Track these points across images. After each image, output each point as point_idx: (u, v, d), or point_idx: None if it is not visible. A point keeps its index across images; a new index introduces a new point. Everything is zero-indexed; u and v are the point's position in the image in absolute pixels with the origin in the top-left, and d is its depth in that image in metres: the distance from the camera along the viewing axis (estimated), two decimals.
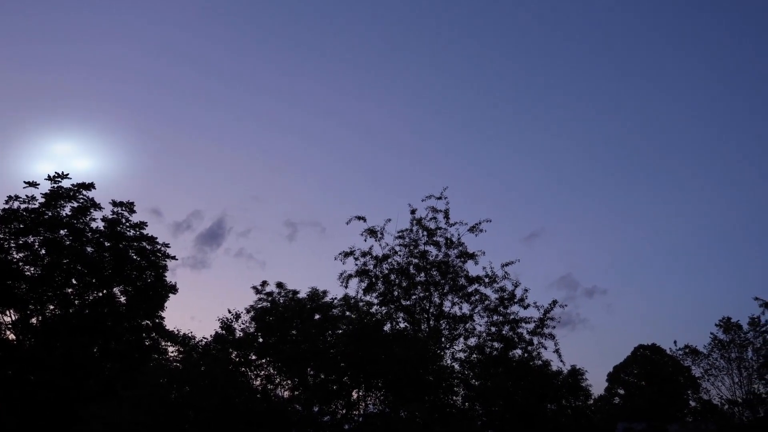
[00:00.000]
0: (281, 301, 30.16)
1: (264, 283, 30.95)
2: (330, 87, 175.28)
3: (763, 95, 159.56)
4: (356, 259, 33.47)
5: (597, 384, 77.79)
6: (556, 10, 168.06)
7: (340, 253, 33.63)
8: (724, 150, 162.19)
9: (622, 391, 75.15)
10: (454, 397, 30.04)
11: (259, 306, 30.16)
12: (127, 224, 37.68)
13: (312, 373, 28.12)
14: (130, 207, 37.87)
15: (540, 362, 32.22)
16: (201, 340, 28.78)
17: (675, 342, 65.30)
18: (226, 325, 29.42)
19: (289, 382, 28.30)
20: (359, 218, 33.94)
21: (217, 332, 29.17)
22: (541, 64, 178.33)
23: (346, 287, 32.73)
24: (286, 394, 28.23)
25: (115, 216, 37.41)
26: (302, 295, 30.67)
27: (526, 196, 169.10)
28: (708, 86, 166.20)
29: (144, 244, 37.98)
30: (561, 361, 31.60)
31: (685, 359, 62.46)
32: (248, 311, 29.99)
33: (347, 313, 30.50)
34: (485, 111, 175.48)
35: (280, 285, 31.03)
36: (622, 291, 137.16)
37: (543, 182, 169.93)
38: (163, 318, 38.03)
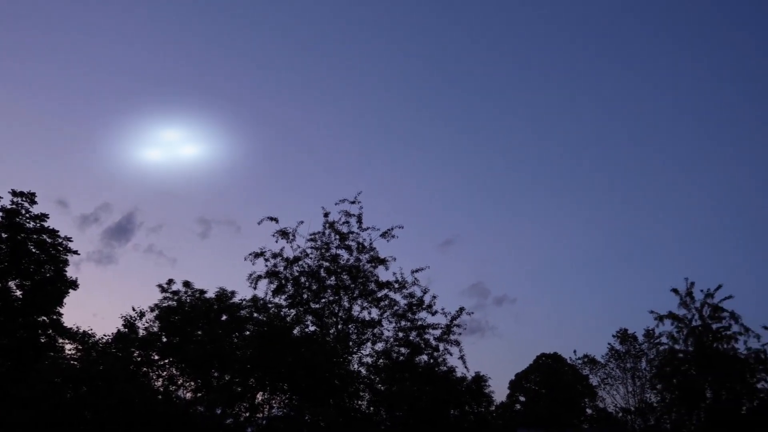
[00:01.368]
0: (188, 301, 29.55)
1: (170, 282, 30.26)
2: (247, 84, 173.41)
3: (664, 115, 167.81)
4: (267, 260, 33.10)
5: (501, 391, 79.68)
6: (464, 15, 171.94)
7: (250, 254, 33.18)
8: (631, 163, 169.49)
9: (523, 398, 77.13)
10: (360, 402, 30.16)
11: (164, 305, 29.45)
12: (27, 215, 35.98)
13: (216, 374, 27.67)
14: (31, 198, 36.18)
15: (445, 368, 32.73)
16: (101, 339, 27.84)
17: (575, 351, 67.55)
18: (129, 324, 28.56)
19: (193, 383, 27.75)
20: (271, 219, 33.64)
21: (119, 330, 28.28)
22: (457, 70, 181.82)
23: (255, 288, 32.31)
24: (189, 395, 27.67)
25: (14, 206, 35.66)
26: (210, 295, 30.15)
27: (442, 204, 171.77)
28: (616, 99, 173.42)
29: (44, 236, 36.31)
30: (465, 367, 32.19)
31: (584, 368, 64.99)
32: (152, 310, 29.23)
33: (255, 314, 30.16)
34: (403, 117, 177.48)
35: (187, 284, 30.40)
36: (531, 300, 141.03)
37: (459, 190, 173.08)
38: (61, 314, 36.45)
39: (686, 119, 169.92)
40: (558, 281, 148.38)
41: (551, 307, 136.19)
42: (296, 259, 33.22)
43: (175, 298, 29.80)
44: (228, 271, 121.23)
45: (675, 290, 47.53)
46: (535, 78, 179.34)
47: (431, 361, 32.32)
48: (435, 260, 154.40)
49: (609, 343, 59.23)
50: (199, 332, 28.03)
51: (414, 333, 32.42)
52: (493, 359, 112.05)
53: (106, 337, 27.82)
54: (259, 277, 32.56)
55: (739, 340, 45.26)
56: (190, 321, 28.11)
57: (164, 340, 28.13)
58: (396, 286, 33.31)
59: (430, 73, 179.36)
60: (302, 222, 33.74)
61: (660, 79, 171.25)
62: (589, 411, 69.34)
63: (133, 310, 28.93)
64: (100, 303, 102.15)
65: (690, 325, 46.73)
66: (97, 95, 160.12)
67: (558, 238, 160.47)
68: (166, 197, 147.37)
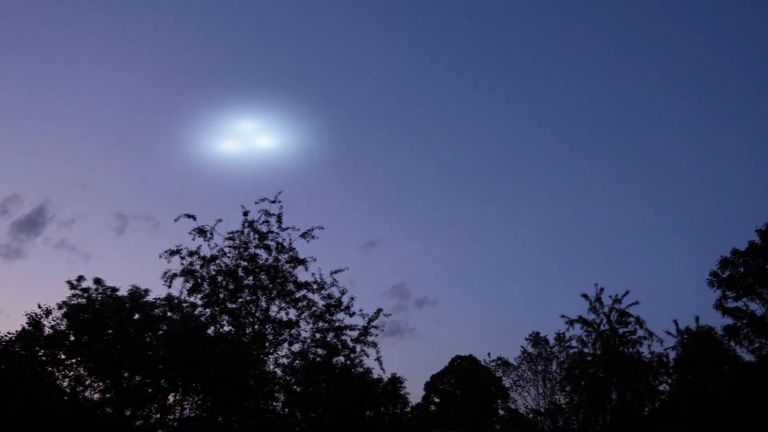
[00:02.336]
0: (98, 299, 28.57)
1: (80, 278, 29.18)
2: (167, 78, 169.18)
3: (581, 119, 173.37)
4: (183, 258, 32.42)
5: (418, 392, 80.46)
6: (376, 18, 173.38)
7: (165, 251, 32.43)
8: (551, 168, 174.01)
9: (438, 400, 78.17)
10: (275, 403, 29.93)
11: (73, 302, 28.36)
12: None
13: (127, 375, 26.90)
14: None
15: (362, 369, 32.87)
16: (4, 337, 26.57)
17: (489, 354, 68.85)
18: (34, 322, 27.32)
19: (101, 383, 26.88)
20: (189, 216, 32.98)
21: (23, 328, 27.04)
22: (383, 72, 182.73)
23: (170, 287, 31.58)
24: (97, 396, 26.80)
25: None
26: (123, 293, 29.26)
27: (366, 205, 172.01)
28: (537, 99, 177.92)
29: None
30: (382, 368, 32.44)
31: (498, 370, 66.50)
32: (60, 307, 28.07)
33: (169, 313, 29.50)
34: (327, 116, 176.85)
35: (98, 281, 29.40)
36: (451, 302, 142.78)
37: (384, 192, 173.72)
38: None
39: (604, 122, 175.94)
40: (478, 284, 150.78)
41: (470, 309, 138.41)
42: (213, 258, 32.69)
43: (85, 295, 28.75)
44: (146, 268, 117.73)
45: (585, 295, 49.24)
46: (458, 80, 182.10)
47: (348, 362, 32.40)
48: (357, 262, 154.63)
49: (522, 346, 60.85)
50: (110, 331, 27.16)
51: (331, 334, 32.44)
52: (411, 361, 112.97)
53: (10, 336, 26.56)
54: (175, 275, 31.88)
55: (644, 344, 47.30)
56: (101, 319, 27.19)
57: (72, 338, 27.10)
58: (315, 286, 33.25)
59: (353, 72, 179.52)
60: (221, 220, 33.25)
61: (573, 81, 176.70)
62: (501, 412, 70.85)
63: (39, 307, 27.70)
64: (5, 300, 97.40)
65: (598, 329, 48.46)
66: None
67: (480, 242, 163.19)
68: (80, 191, 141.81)
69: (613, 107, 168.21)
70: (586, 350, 49.14)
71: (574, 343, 51.17)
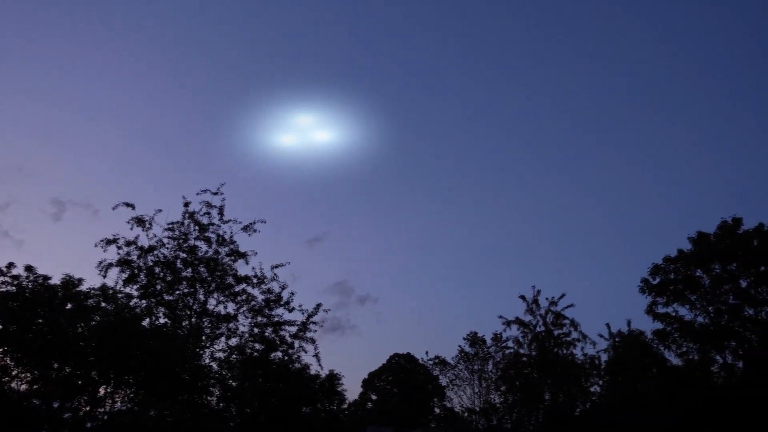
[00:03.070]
0: (29, 287, 27.66)
1: (10, 265, 28.16)
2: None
3: (523, 120, 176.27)
4: (119, 247, 31.68)
5: (356, 389, 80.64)
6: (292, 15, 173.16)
7: (101, 240, 31.64)
8: (495, 168, 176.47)
9: (375, 397, 78.46)
10: (209, 397, 29.55)
11: (1, 290, 27.39)
12: None
13: (56, 365, 26.12)
14: None
15: (299, 365, 32.78)
16: None
17: (427, 352, 69.49)
18: None
19: (29, 374, 26.06)
20: (127, 205, 32.24)
21: None
22: (323, 60, 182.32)
23: (105, 277, 30.84)
24: (24, 387, 25.96)
25: None
26: (56, 281, 28.39)
27: (312, 201, 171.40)
28: (475, 100, 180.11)
29: None
30: (320, 365, 32.40)
31: (435, 369, 67.18)
32: None
33: (104, 304, 28.77)
34: (271, 109, 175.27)
35: (29, 268, 28.42)
36: (393, 300, 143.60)
37: (330, 187, 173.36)
38: None
39: (544, 125, 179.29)
40: (420, 283, 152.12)
41: (411, 308, 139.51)
42: (151, 249, 32.04)
43: (15, 283, 27.80)
44: (83, 257, 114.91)
45: (523, 297, 50.12)
46: (394, 76, 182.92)
47: (286, 358, 32.25)
48: (301, 257, 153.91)
49: (460, 346, 61.60)
50: (40, 320, 26.32)
51: (270, 329, 32.24)
52: (351, 358, 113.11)
53: None
54: (111, 265, 31.15)
55: (577, 346, 48.45)
56: (31, 308, 26.32)
57: (0, 327, 26.20)
58: (255, 281, 32.98)
59: (299, 64, 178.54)
60: (160, 210, 32.60)
61: (516, 84, 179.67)
62: (437, 410, 71.60)
63: None
64: None
65: (534, 330, 49.39)
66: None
67: (423, 241, 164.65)
68: (16, 174, 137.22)
69: (551, 109, 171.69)
70: (521, 351, 50.07)
71: (510, 343, 52.10)
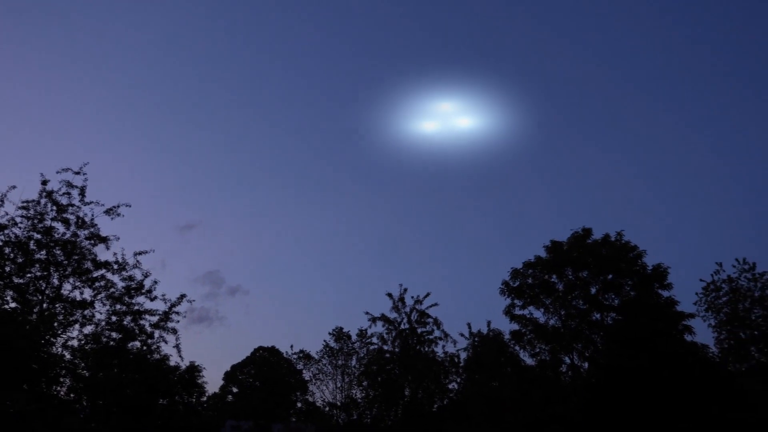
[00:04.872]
0: None
1: None
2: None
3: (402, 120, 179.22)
4: None
5: (219, 382, 79.06)
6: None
7: None
8: (367, 166, 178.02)
9: (236, 390, 77.32)
10: (59, 388, 28.04)
11: None
12: None
13: None
14: None
15: (159, 356, 31.75)
16: None
17: (292, 346, 69.37)
18: None
19: None
20: None
21: None
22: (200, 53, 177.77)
23: None
24: None
25: None
26: None
27: (187, 187, 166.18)
28: (359, 98, 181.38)
29: None
30: (180, 356, 31.45)
31: (299, 363, 67.08)
32: None
33: None
34: (154, 100, 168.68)
35: None
36: (264, 292, 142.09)
37: (206, 174, 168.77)
38: None
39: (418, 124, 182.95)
40: (291, 276, 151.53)
41: (282, 301, 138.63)
42: (2, 227, 29.88)
43: None
44: None
45: (389, 295, 51.13)
46: (286, 72, 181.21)
47: (144, 348, 31.10)
48: (172, 244, 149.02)
49: (325, 341, 61.86)
50: None
51: (129, 318, 30.93)
52: (217, 349, 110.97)
53: None
54: None
55: (439, 344, 50.05)
56: None
57: None
58: (115, 267, 31.49)
59: (169, 52, 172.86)
60: (14, 187, 30.38)
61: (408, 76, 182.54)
62: (299, 404, 71.58)
63: None
64: None
65: (399, 327, 50.51)
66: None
67: (297, 235, 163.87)
68: None
69: (436, 105, 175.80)
70: (385, 347, 51.09)
71: (374, 339, 53.02)
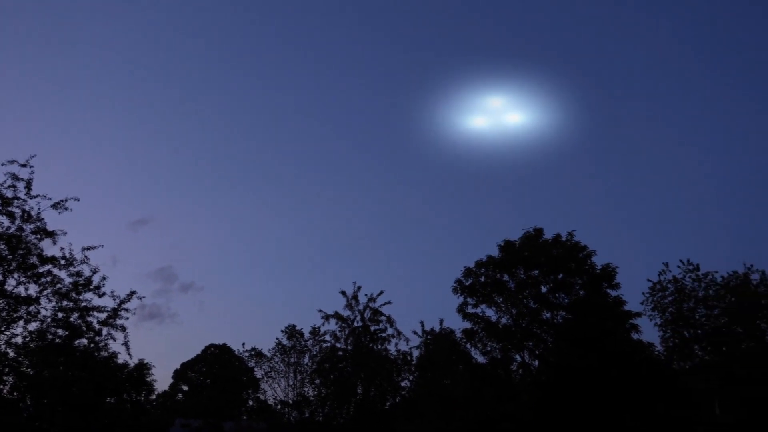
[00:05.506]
0: None
1: None
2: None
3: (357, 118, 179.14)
4: None
5: (168, 380, 77.89)
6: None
7: None
8: (326, 163, 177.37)
9: (186, 388, 76.36)
10: (2, 386, 27.31)
11: None
12: None
13: None
14: None
15: (107, 354, 31.15)
16: None
17: (243, 344, 68.70)
18: None
19: None
20: None
21: None
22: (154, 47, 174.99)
23: None
24: None
25: None
26: None
27: (141, 181, 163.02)
28: (311, 100, 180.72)
29: None
30: (129, 354, 30.81)
31: (251, 360, 66.45)
32: None
33: None
34: (105, 92, 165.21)
35: None
36: (218, 289, 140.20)
37: (159, 168, 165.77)
38: None
39: (373, 122, 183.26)
40: (244, 273, 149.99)
41: (235, 298, 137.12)
42: None
43: None
44: None
45: (343, 292, 51.09)
46: (250, 69, 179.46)
47: (92, 345, 30.43)
48: (124, 240, 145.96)
49: (277, 338, 61.41)
50: None
51: (76, 314, 30.19)
52: (169, 347, 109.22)
53: None
54: None
55: (392, 342, 50.17)
56: None
57: None
58: (62, 262, 30.69)
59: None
60: None
61: (343, 80, 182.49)
62: (250, 402, 70.98)
63: None
64: None
65: (352, 325, 50.46)
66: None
67: (251, 231, 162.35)
68: None
69: (379, 104, 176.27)
70: (338, 345, 51.01)
71: (327, 337, 52.90)
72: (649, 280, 37.64)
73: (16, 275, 29.95)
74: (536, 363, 37.77)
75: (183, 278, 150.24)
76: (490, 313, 39.31)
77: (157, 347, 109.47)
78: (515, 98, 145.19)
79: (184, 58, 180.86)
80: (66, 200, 31.21)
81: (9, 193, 30.31)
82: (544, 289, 38.35)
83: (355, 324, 50.55)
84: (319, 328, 56.48)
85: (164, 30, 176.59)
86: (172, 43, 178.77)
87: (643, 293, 37.53)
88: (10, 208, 30.21)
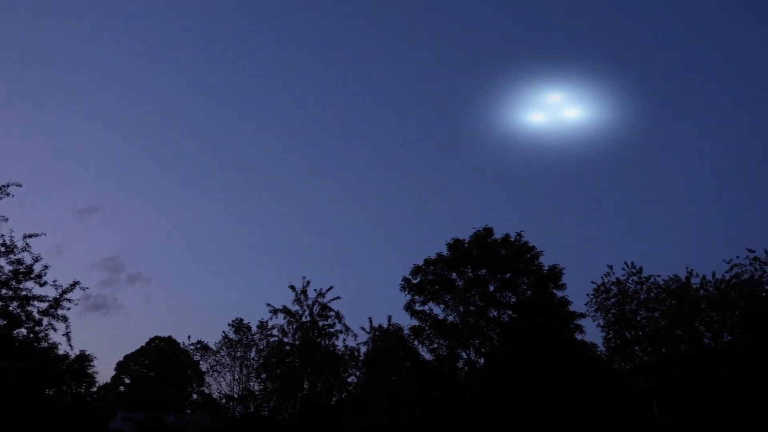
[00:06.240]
0: None
1: None
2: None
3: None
4: None
5: (112, 372, 76.31)
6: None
7: None
8: (278, 160, 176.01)
9: (129, 381, 75.03)
10: None
11: None
12: None
13: None
14: None
15: (47, 344, 30.34)
16: None
17: (189, 337, 67.82)
18: None
19: None
20: None
21: None
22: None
23: None
24: None
25: None
26: None
27: (89, 169, 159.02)
28: (275, 97, 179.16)
29: None
30: (70, 345, 30.10)
31: (196, 354, 65.63)
32: None
33: None
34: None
35: None
36: (166, 281, 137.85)
37: (108, 156, 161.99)
38: None
39: (329, 120, 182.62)
40: (193, 265, 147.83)
41: (183, 290, 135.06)
42: None
43: None
44: None
45: (292, 287, 50.88)
46: (197, 65, 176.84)
47: (31, 335, 29.62)
48: (70, 228, 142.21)
49: (224, 332, 60.80)
50: None
51: (15, 303, 29.35)
52: (113, 339, 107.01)
53: None
54: None
55: (340, 338, 50.18)
56: None
57: None
58: (2, 249, 29.82)
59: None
60: None
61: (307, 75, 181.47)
62: (195, 396, 70.18)
63: None
64: None
65: (300, 320, 50.27)
66: None
67: (202, 222, 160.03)
68: None
69: (349, 105, 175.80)
70: (286, 339, 50.77)
71: (275, 332, 52.57)
72: (593, 282, 38.39)
73: None
74: (482, 361, 38.19)
75: (130, 269, 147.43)
76: (438, 310, 39.59)
77: (102, 339, 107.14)
78: (574, 94, 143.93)
79: (137, 45, 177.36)
80: (8, 185, 30.22)
81: None
82: (491, 288, 38.78)
83: (304, 319, 50.39)
84: (266, 322, 56.11)
85: (112, 15, 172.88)
86: (116, 28, 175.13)
87: (587, 294, 38.26)
88: None
